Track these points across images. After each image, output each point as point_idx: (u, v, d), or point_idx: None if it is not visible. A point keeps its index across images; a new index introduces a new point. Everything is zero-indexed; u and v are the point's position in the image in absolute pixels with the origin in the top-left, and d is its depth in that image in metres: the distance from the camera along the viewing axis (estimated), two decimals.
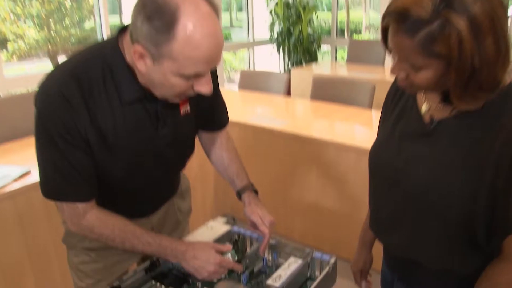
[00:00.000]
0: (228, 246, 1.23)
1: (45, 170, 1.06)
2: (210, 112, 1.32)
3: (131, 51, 0.97)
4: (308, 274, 1.22)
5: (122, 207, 1.19)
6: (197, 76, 0.99)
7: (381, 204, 1.08)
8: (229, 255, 1.29)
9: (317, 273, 1.22)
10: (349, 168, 2.49)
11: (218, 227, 1.36)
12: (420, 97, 1.01)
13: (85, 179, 1.08)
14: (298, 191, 2.77)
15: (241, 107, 3.34)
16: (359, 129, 2.79)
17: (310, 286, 1.18)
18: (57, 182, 1.06)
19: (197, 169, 2.71)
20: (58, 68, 1.04)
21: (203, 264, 1.12)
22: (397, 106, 1.07)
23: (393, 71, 0.92)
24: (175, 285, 1.20)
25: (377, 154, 1.08)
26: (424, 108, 0.99)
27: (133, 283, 1.17)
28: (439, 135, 0.95)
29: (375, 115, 2.97)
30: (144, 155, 1.14)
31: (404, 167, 0.99)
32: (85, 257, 1.27)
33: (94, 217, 1.11)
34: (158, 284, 1.18)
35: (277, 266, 1.27)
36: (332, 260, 1.19)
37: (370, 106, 3.10)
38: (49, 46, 4.66)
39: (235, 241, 1.31)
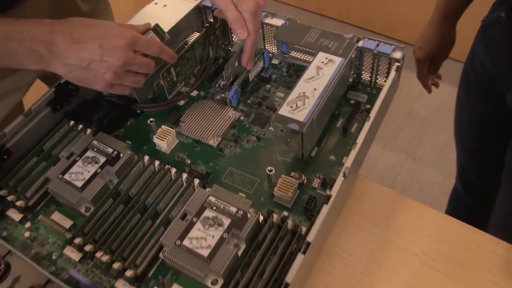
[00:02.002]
0: (145, 24, 0.60)
1: None
2: None
3: None
4: (350, 80, 0.67)
5: None
6: None
7: None
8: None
9: (364, 75, 0.67)
10: None
11: (173, 3, 0.73)
12: None
13: None
14: None
15: None
16: None
17: (353, 103, 0.65)
18: None
19: None
20: None
21: (97, 51, 0.51)
22: None
23: None
24: (110, 123, 0.66)
25: None
26: None
27: (30, 134, 0.62)
28: None
29: None
30: None
31: None
32: None
33: None
34: (79, 126, 0.64)
35: (289, 67, 0.72)
36: (400, 55, 0.62)
37: None
38: None
39: (209, 25, 0.71)
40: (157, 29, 0.60)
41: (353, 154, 0.51)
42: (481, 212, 1.03)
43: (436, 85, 0.90)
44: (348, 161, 0.50)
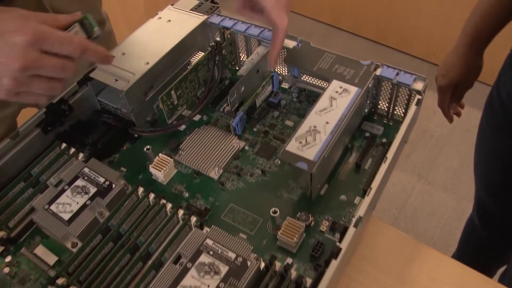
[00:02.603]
0: (72, 15, 0.47)
1: None
2: None
3: None
4: (366, 111, 0.62)
5: None
6: None
7: None
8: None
9: (381, 105, 0.62)
10: None
11: (178, 19, 0.69)
12: None
13: None
14: None
15: None
16: None
17: (368, 136, 0.60)
18: None
19: None
20: None
21: None
22: None
23: None
24: (105, 147, 0.62)
25: None
26: None
27: (17, 158, 0.58)
28: None
29: None
30: None
31: None
32: None
33: None
34: (71, 150, 0.59)
35: (300, 92, 0.67)
36: (421, 86, 0.57)
37: None
38: None
39: (215, 45, 0.67)
40: (84, 22, 0.47)
41: (367, 200, 0.46)
42: (497, 245, 0.97)
43: (458, 115, 0.84)
44: (361, 210, 0.45)
